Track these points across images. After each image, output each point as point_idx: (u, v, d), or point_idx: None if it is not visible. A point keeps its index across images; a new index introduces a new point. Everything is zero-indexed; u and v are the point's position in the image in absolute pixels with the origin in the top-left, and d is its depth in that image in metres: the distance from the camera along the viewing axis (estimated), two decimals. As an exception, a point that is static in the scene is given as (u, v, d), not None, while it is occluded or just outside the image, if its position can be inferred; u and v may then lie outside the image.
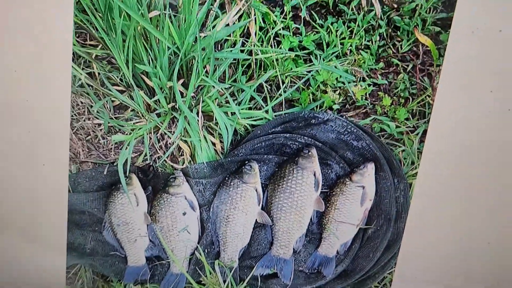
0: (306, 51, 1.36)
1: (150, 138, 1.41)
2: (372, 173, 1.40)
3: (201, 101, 1.33)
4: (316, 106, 1.41)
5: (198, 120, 1.34)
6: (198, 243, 1.45)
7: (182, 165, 1.43)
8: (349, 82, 1.37)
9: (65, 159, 1.37)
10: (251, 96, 1.37)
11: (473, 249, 1.38)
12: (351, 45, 1.35)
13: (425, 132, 1.37)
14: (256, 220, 1.44)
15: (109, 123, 1.40)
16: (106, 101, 1.38)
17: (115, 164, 1.44)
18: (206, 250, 1.44)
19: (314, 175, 1.40)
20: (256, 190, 1.42)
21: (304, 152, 1.40)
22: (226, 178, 1.45)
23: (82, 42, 1.33)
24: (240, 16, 1.35)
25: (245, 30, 1.37)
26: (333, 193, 1.44)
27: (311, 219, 1.44)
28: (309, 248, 1.47)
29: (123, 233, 1.44)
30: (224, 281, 1.40)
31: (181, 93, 1.31)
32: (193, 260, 1.44)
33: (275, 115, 1.41)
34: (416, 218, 1.38)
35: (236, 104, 1.36)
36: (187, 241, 1.43)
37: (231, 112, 1.37)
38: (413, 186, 1.40)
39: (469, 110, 1.30)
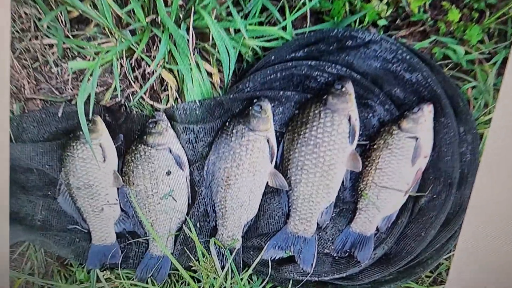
0: None
1: (122, 66, 1.25)
2: (430, 118, 1.23)
3: (192, 12, 1.14)
4: (354, 22, 1.27)
5: (188, 40, 1.18)
6: (187, 214, 1.31)
7: (166, 104, 1.28)
8: (402, -14, 1.14)
9: (4, 96, 1.12)
10: (263, 5, 1.23)
11: None
12: None
13: (505, 61, 1.22)
14: (267, 183, 1.29)
15: (64, 43, 1.23)
16: (60, 12, 1.20)
17: (73, 102, 1.30)
18: (198, 225, 1.31)
19: (349, 120, 1.22)
20: (268, 141, 1.25)
21: (336, 87, 1.22)
22: (227, 124, 1.29)
23: None
24: None
25: None
26: (375, 146, 1.27)
27: (342, 182, 1.29)
28: (339, 223, 1.33)
29: (85, 199, 1.29)
30: (222, 267, 1.27)
31: (165, 1, 1.15)
32: (180, 238, 1.32)
33: (296, 34, 1.27)
34: (487, 182, 1.13)
35: (241, 18, 1.22)
36: (172, 212, 1.30)
37: (235, 29, 1.23)
38: (484, 138, 1.25)
39: None
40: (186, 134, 1.28)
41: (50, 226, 1.34)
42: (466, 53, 1.28)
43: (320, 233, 1.32)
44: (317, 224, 1.31)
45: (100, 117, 1.30)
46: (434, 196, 1.26)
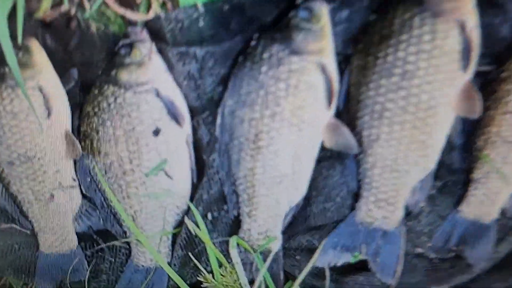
0: None
1: None
2: None
3: None
4: None
5: None
6: (192, 199, 1.06)
7: (147, 12, 0.95)
8: None
9: None
10: None
11: None
12: None
13: None
14: (322, 143, 1.01)
15: None
16: None
17: None
18: (209, 216, 1.06)
19: (463, 30, 0.88)
20: (323, 70, 0.92)
21: None
22: (253, 44, 0.98)
23: None
24: None
25: None
26: (504, 75, 0.95)
27: (448, 138, 1.02)
28: (441, 204, 1.04)
29: (23, 181, 1.03)
30: (251, 283, 1.03)
31: None
32: (181, 238, 1.06)
33: None
34: None
35: None
36: (165, 196, 1.03)
37: None
38: None
39: None
40: (184, 64, 0.98)
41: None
42: None
43: (409, 223, 1.06)
44: (406, 208, 1.03)
45: (38, 40, 0.99)
46: None
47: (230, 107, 1.01)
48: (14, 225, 1.11)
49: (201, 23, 0.95)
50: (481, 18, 0.98)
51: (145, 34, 0.97)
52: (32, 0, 1.04)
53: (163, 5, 0.98)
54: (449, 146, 1.06)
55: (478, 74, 1.00)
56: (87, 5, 0.99)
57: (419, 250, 1.11)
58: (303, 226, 1.11)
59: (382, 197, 1.03)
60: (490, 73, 1.04)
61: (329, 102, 0.97)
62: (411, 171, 1.00)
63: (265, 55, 0.95)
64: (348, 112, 1.03)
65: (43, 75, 0.98)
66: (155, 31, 1.02)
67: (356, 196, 1.07)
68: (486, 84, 1.03)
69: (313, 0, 0.94)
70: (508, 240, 1.10)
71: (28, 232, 1.11)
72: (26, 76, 0.95)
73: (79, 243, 1.11)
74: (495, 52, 1.05)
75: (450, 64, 0.91)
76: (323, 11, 0.94)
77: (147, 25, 0.99)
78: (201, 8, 0.93)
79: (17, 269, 1.12)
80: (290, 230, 1.11)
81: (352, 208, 1.07)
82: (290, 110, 0.94)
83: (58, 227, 1.09)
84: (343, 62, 1.01)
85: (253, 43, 1.00)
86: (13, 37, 0.91)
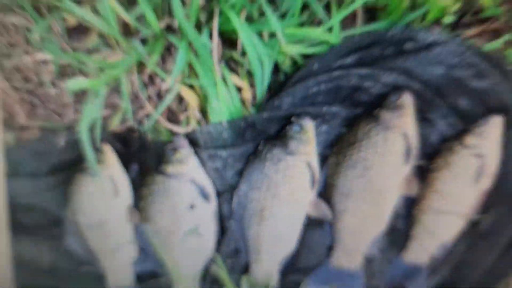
0: None
1: (132, 83, 1.23)
2: (497, 133, 1.17)
3: (217, 14, 1.10)
4: (415, 19, 1.22)
5: (211, 49, 1.13)
6: (217, 251, 1.28)
7: (186, 127, 1.24)
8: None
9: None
10: (304, 2, 1.18)
11: None
12: None
13: None
14: (307, 214, 1.27)
15: (61, 59, 1.19)
16: (55, 19, 1.14)
17: (76, 129, 1.24)
18: (228, 262, 1.27)
19: (405, 138, 1.16)
20: (309, 166, 1.21)
21: (392, 99, 1.18)
22: (261, 148, 1.27)
23: None
24: None
25: None
26: (435, 167, 1.22)
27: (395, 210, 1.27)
28: (389, 253, 1.26)
29: (97, 238, 1.26)
30: None
31: (182, 1, 1.10)
32: (208, 278, 1.27)
33: (345, 37, 1.25)
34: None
35: (277, 17, 1.15)
36: (197, 249, 1.27)
37: (269, 33, 1.19)
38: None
39: None
40: (212, 162, 1.25)
41: (60, 269, 1.27)
42: (547, 55, 1.26)
43: (367, 267, 1.26)
44: (364, 257, 1.26)
45: (109, 145, 1.25)
46: (497, 219, 1.20)
47: (244, 190, 1.26)
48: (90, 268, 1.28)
49: (225, 134, 1.21)
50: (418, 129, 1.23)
51: (185, 142, 1.24)
52: (106, 117, 1.28)
53: (199, 122, 1.26)
54: (395, 214, 1.23)
55: (415, 168, 1.23)
56: (145, 122, 1.28)
57: (375, 285, 1.26)
58: (293, 268, 1.27)
59: (348, 249, 1.22)
60: (423, 167, 1.23)
61: (313, 186, 1.24)
62: (369, 232, 1.21)
63: (269, 155, 1.22)
64: (325, 193, 1.27)
65: (113, 168, 1.25)
66: (192, 139, 1.27)
67: (330, 249, 1.25)
68: (421, 173, 1.22)
69: (302, 118, 1.22)
70: (435, 274, 1.21)
71: (99, 272, 1.28)
72: (101, 169, 1.20)
73: (135, 280, 1.27)
74: (427, 152, 1.24)
75: (396, 160, 1.16)
76: (310, 126, 1.21)
77: (187, 135, 1.25)
78: (225, 124, 1.19)
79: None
80: (284, 271, 1.26)
81: (328, 256, 1.24)
82: (285, 193, 1.20)
83: (120, 270, 1.24)
84: (323, 160, 1.29)
85: (260, 147, 1.27)
86: (93, 143, 1.17)
